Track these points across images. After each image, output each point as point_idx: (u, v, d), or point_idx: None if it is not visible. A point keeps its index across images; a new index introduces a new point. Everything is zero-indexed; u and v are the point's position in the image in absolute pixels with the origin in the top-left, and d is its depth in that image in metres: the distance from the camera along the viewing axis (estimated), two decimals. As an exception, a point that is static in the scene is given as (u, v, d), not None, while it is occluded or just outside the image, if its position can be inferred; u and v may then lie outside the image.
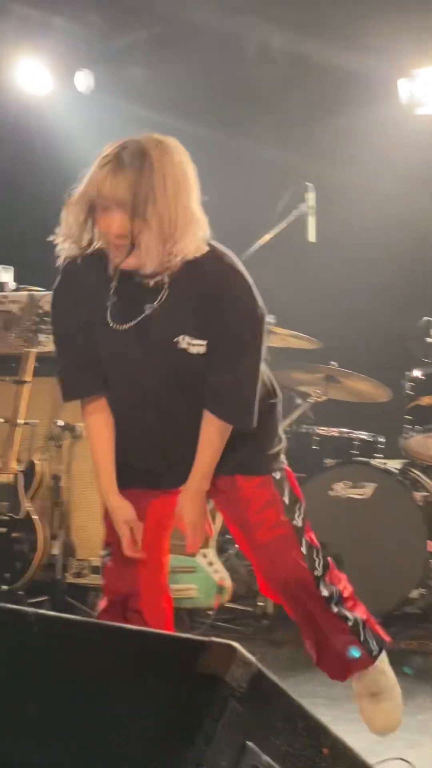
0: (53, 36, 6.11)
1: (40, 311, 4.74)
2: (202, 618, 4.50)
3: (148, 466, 2.81)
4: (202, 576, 4.40)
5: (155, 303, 2.65)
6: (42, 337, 4.76)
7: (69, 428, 4.73)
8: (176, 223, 2.55)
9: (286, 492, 2.84)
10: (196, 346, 2.65)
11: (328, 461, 4.94)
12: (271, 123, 6.19)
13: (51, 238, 2.65)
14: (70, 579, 4.79)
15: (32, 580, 4.57)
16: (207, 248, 2.64)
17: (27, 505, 4.61)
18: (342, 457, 4.97)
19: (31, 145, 5.92)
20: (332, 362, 5.00)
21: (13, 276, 5.30)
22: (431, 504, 4.78)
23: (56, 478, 4.75)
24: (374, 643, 2.95)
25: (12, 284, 5.25)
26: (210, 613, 4.44)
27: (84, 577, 4.80)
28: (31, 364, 4.74)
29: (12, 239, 5.59)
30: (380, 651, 2.97)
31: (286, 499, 2.83)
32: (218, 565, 4.63)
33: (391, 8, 5.51)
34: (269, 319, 4.88)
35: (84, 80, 6.33)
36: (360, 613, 2.96)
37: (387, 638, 3.02)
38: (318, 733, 1.68)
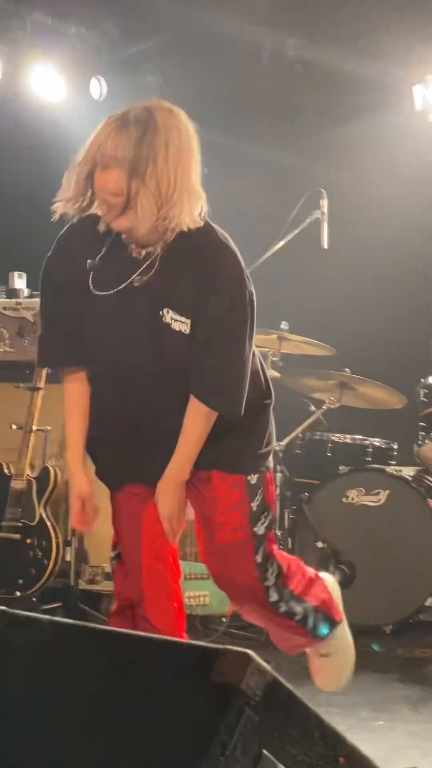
0: (67, 44, 6.14)
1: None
2: (215, 625, 4.49)
3: (127, 453, 2.74)
4: (216, 583, 4.39)
5: (143, 272, 2.61)
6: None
7: (82, 435, 4.72)
8: (174, 188, 2.52)
9: (257, 498, 2.76)
10: (179, 322, 2.59)
11: (342, 468, 4.93)
12: (285, 130, 6.19)
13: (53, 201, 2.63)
14: (83, 585, 4.79)
15: (45, 586, 4.57)
16: (203, 224, 2.61)
17: (41, 512, 4.62)
18: (356, 464, 4.96)
19: (45, 151, 5.93)
20: (346, 369, 4.99)
21: (27, 282, 5.30)
22: (445, 511, 4.76)
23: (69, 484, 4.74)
24: (323, 626, 2.92)
25: (26, 291, 5.26)
26: (223, 620, 4.42)
27: (97, 583, 4.79)
28: (44, 371, 4.74)
29: (26, 246, 5.59)
30: (330, 632, 2.94)
31: (254, 506, 2.75)
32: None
33: (406, 15, 5.51)
34: (283, 325, 4.94)
35: (98, 87, 6.34)
36: (313, 600, 2.89)
37: (339, 617, 2.97)
38: (334, 741, 1.67)
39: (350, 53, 5.71)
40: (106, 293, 2.63)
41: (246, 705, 1.53)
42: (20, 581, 4.55)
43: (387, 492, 4.72)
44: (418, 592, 4.59)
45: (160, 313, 2.60)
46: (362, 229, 5.88)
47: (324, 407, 5.03)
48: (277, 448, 4.91)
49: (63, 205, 2.62)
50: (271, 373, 4.97)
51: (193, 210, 2.58)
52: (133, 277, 2.62)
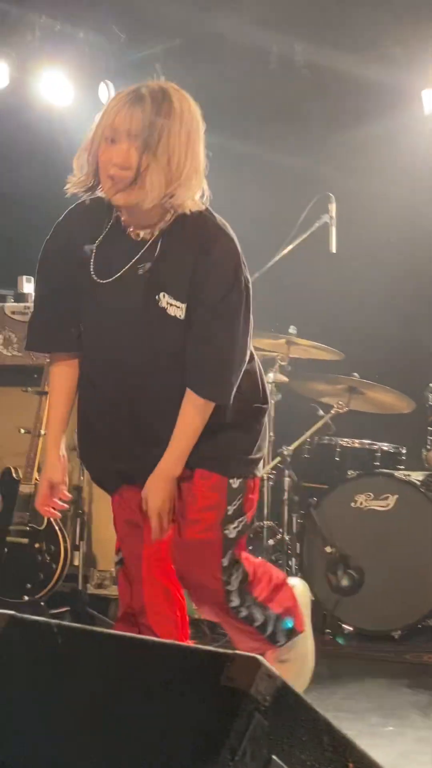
0: (76, 48, 6.14)
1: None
2: (223, 630, 4.48)
3: (126, 453, 2.70)
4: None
5: (144, 258, 2.59)
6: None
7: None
8: (184, 166, 2.51)
9: (236, 502, 2.71)
10: (174, 307, 2.57)
11: (351, 473, 4.92)
12: (293, 134, 6.18)
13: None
14: (91, 590, 4.79)
15: (54, 590, 4.57)
16: (203, 208, 2.60)
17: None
18: (364, 469, 4.95)
19: (53, 155, 5.94)
20: (354, 373, 4.98)
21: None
22: (454, 516, 4.75)
23: (78, 488, 4.74)
24: (282, 635, 2.88)
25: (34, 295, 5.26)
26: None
27: (105, 588, 4.79)
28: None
29: (34, 250, 5.59)
30: (288, 640, 2.90)
31: (231, 509, 2.71)
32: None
33: (415, 18, 5.50)
34: (291, 330, 4.93)
35: (106, 91, 6.35)
36: (276, 607, 2.85)
37: (301, 628, 2.92)
38: (344, 747, 1.66)
39: (358, 57, 5.70)
40: (108, 280, 2.61)
41: (255, 710, 1.53)
42: (28, 585, 4.55)
43: (396, 497, 4.71)
44: (427, 597, 4.57)
45: (156, 297, 2.57)
46: (371, 233, 5.87)
47: (332, 412, 5.02)
48: (286, 453, 4.91)
49: (74, 186, 2.61)
50: (280, 377, 4.98)
51: (196, 192, 2.56)
52: (132, 261, 2.59)
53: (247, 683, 1.54)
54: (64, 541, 4.60)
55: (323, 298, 5.95)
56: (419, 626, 4.60)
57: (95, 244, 2.63)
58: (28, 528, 4.60)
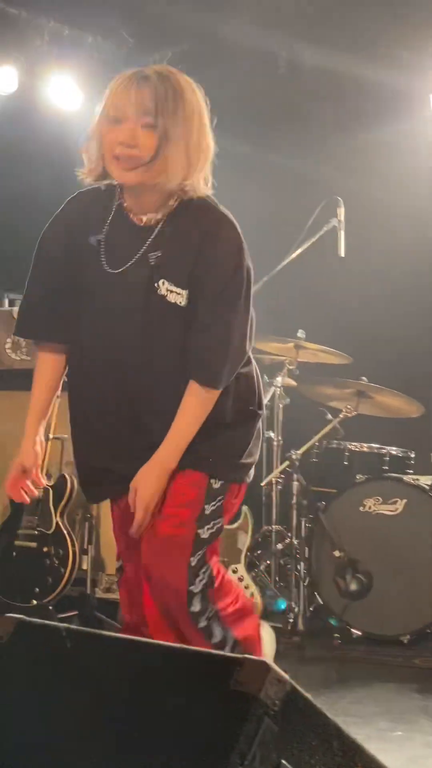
0: (84, 53, 6.15)
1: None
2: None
3: (126, 453, 2.64)
4: (232, 592, 4.37)
5: (152, 244, 2.55)
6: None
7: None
8: (200, 147, 2.50)
9: (214, 504, 2.63)
10: (174, 293, 2.53)
11: (359, 477, 4.91)
12: (301, 138, 6.18)
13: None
14: (99, 594, 4.79)
15: (62, 594, 4.57)
16: (210, 192, 2.58)
17: (57, 520, 4.62)
18: (373, 473, 4.94)
19: (62, 160, 5.95)
20: (362, 377, 4.98)
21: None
22: (463, 520, 4.74)
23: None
24: None
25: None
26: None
27: (114, 592, 4.78)
28: (62, 380, 4.74)
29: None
30: None
31: (208, 509, 2.62)
32: (248, 581, 4.61)
33: (422, 22, 5.50)
34: (299, 334, 4.93)
35: (114, 96, 6.36)
36: (238, 631, 2.71)
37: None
38: (353, 751, 1.66)
39: (366, 61, 5.70)
40: (119, 270, 2.58)
41: (265, 714, 1.52)
42: (37, 589, 4.55)
43: (404, 501, 4.70)
44: (436, 602, 4.56)
45: (156, 284, 2.55)
46: (379, 237, 5.87)
47: (341, 416, 5.02)
48: (294, 457, 4.91)
49: (86, 176, 2.61)
50: (288, 381, 4.98)
51: (202, 174, 2.54)
52: (143, 249, 2.56)
53: (257, 688, 1.54)
54: (73, 545, 4.60)
55: (331, 302, 5.95)
56: (428, 631, 4.59)
57: (103, 234, 2.61)
58: (36, 532, 4.60)
